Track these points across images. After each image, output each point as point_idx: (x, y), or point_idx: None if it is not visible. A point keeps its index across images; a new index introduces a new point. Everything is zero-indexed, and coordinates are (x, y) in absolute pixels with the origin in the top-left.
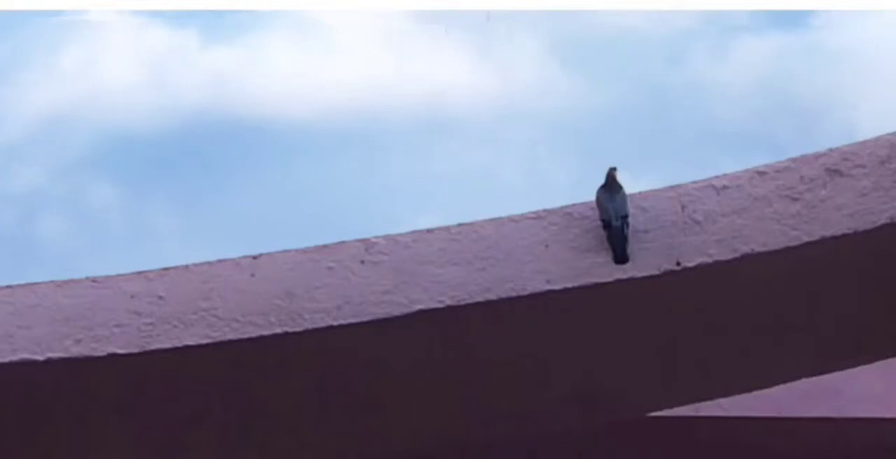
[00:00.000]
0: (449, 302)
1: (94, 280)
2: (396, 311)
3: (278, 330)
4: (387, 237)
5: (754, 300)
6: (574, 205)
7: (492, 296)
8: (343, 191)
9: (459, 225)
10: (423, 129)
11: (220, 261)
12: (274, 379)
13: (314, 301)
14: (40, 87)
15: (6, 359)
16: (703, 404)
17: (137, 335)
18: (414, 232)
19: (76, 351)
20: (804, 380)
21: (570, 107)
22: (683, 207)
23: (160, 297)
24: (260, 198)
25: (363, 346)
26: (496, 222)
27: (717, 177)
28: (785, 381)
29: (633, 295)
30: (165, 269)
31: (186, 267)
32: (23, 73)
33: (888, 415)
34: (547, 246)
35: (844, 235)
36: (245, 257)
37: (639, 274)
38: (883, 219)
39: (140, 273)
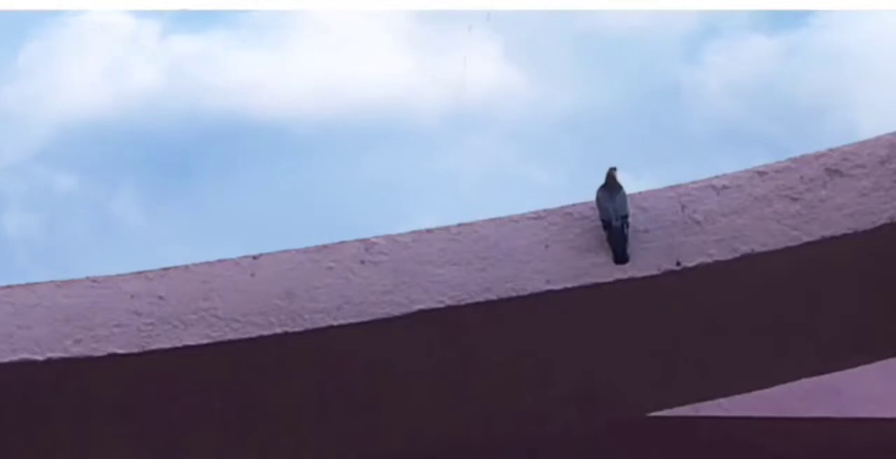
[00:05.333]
0: (449, 302)
1: (94, 280)
2: (396, 311)
3: (278, 330)
4: (387, 237)
5: (754, 300)
6: (574, 205)
7: (492, 296)
8: (343, 191)
9: (459, 225)
10: (425, 130)
11: (220, 261)
12: (274, 379)
13: (314, 301)
14: (62, 90)
15: (6, 359)
16: (703, 404)
17: (137, 335)
18: (414, 232)
19: (76, 351)
20: (804, 380)
21: (570, 106)
22: (683, 207)
23: (160, 297)
24: (260, 198)
25: (363, 346)
26: (496, 222)
27: (717, 177)
28: (785, 381)
29: (633, 295)
30: (165, 269)
31: (186, 267)
32: (48, 74)
33: (888, 415)
34: (547, 246)
35: (844, 235)
36: (245, 257)
37: (639, 274)
38: (883, 219)
39: (140, 273)
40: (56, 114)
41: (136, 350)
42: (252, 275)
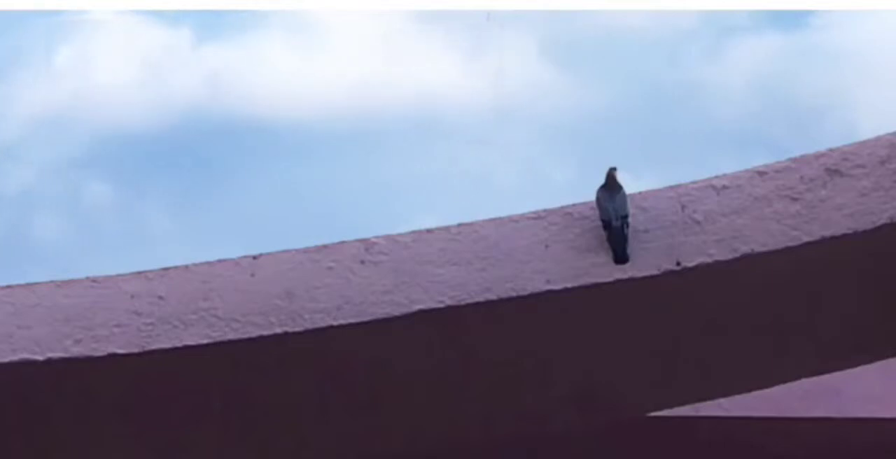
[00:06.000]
0: (449, 302)
1: (94, 280)
2: (396, 311)
3: (278, 330)
4: (387, 237)
5: (754, 300)
6: (574, 205)
7: (492, 296)
8: (343, 191)
9: (459, 225)
10: (424, 129)
11: (220, 261)
12: (274, 379)
13: (314, 301)
14: (35, 86)
15: (6, 359)
16: (703, 404)
17: (137, 335)
18: (414, 232)
19: (76, 351)
20: (804, 380)
21: (570, 107)
22: (683, 207)
23: (160, 297)
24: (260, 198)
25: (363, 346)
26: (496, 222)
27: (717, 177)
28: (785, 381)
29: (633, 295)
30: (165, 269)
31: (186, 267)
32: (17, 72)
33: (888, 415)
34: (547, 246)
35: (844, 235)
36: (245, 257)
37: (639, 274)
38: (883, 219)
39: (140, 273)
40: (52, 112)
41: (136, 350)
42: (252, 275)
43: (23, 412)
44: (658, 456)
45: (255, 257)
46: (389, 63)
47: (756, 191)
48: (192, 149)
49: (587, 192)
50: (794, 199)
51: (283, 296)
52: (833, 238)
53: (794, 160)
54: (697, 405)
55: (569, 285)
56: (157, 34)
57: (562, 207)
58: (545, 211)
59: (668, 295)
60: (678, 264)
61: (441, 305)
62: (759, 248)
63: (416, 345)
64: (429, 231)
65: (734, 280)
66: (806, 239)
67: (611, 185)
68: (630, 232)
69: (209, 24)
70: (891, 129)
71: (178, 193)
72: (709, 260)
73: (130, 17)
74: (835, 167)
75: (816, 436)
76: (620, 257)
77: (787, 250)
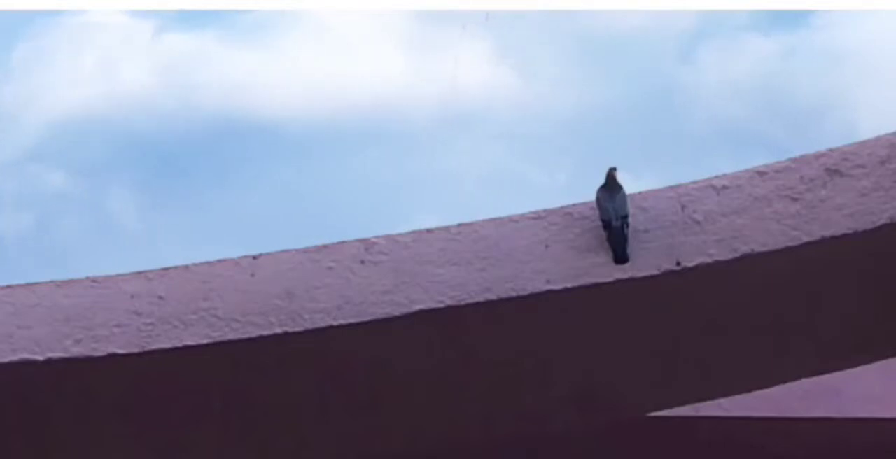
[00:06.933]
0: (449, 302)
1: (94, 280)
2: (396, 311)
3: (278, 330)
4: (387, 237)
5: (754, 300)
6: (574, 205)
7: (492, 296)
8: (343, 191)
9: (459, 225)
10: (424, 130)
11: (220, 261)
12: (274, 379)
13: (314, 301)
14: (58, 89)
15: (6, 359)
16: (703, 404)
17: (137, 335)
18: (414, 232)
19: (76, 351)
20: (804, 380)
21: (570, 106)
22: (683, 207)
23: (160, 297)
24: (260, 198)
25: (363, 346)
26: (496, 222)
27: (717, 177)
28: (785, 381)
29: (633, 295)
30: (165, 269)
31: (186, 267)
32: (42, 74)
33: (888, 415)
34: (547, 246)
35: (844, 235)
36: (245, 257)
37: (639, 274)
38: (883, 219)
39: (140, 273)
40: (52, 112)
41: (136, 350)
42: (252, 275)
43: (23, 412)
44: (658, 456)
45: (255, 257)
46: (388, 62)
47: (756, 191)
48: (195, 149)
49: (587, 192)
50: (794, 199)
51: (283, 296)
52: (833, 238)
53: (794, 160)
54: (697, 405)
55: (569, 285)
56: (183, 38)
57: (562, 207)
58: (545, 211)
59: (668, 295)
60: (678, 264)
61: (441, 305)
62: (759, 248)
63: (416, 345)
64: (429, 231)
65: (734, 280)
66: (806, 239)
67: (611, 185)
68: (630, 232)
69: (221, 26)
70: (891, 129)
71: (179, 193)
72: (709, 260)
73: (149, 20)
74: (835, 167)
75: (816, 436)
76: (620, 257)
77: (787, 250)
